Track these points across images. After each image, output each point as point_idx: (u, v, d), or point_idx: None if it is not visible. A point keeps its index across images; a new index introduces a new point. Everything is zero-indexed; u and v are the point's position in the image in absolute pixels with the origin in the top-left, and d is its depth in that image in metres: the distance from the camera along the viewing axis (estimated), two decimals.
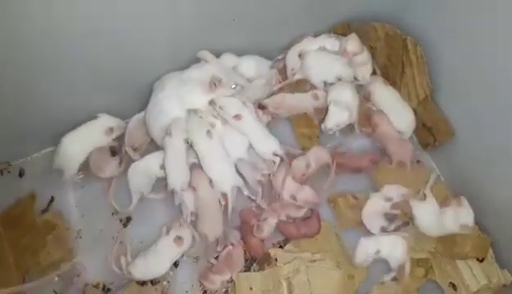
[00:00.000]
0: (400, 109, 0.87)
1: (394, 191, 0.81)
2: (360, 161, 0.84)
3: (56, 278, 0.76)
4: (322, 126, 0.85)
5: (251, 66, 0.87)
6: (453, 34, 0.78)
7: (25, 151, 0.85)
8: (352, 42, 0.87)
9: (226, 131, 0.81)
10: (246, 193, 0.80)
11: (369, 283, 0.77)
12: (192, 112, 0.81)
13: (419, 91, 0.84)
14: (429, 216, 0.78)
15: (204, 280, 0.76)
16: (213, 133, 0.80)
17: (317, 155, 0.83)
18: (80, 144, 0.81)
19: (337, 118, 0.85)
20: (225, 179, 0.78)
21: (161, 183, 0.80)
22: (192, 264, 0.78)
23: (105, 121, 0.83)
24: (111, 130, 0.83)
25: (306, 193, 0.80)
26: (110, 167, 0.83)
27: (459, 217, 0.76)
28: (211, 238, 0.76)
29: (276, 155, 0.80)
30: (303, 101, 0.88)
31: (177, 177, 0.77)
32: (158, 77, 0.83)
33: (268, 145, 0.80)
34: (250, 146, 0.81)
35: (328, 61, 0.87)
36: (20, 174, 0.84)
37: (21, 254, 0.75)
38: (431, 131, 0.85)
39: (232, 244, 0.77)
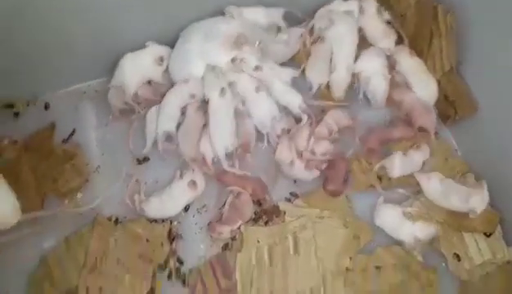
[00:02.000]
0: (424, 80, 0.86)
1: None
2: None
3: (72, 208, 0.80)
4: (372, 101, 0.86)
5: (262, 16, 0.87)
6: (489, 4, 0.76)
7: (52, 86, 0.87)
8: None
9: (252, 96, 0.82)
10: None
11: (373, 245, 0.78)
12: (210, 67, 0.82)
13: (445, 63, 0.84)
14: (435, 190, 0.78)
15: (212, 232, 0.78)
16: (228, 92, 0.80)
17: (336, 118, 0.84)
18: (136, 69, 0.82)
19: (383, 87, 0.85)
20: (221, 142, 0.79)
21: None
22: (202, 209, 0.80)
23: (156, 49, 0.83)
24: (161, 59, 0.83)
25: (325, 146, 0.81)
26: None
27: (470, 200, 0.76)
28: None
29: (302, 110, 0.81)
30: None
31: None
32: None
33: (293, 98, 0.82)
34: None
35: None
36: (46, 107, 0.87)
37: (41, 179, 0.78)
38: (453, 105, 0.84)
39: (239, 192, 0.79)
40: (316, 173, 0.81)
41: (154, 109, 0.83)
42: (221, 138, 0.78)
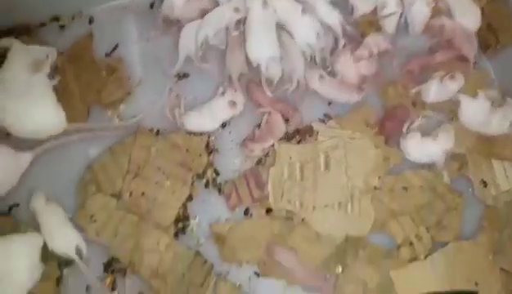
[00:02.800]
0: (467, 7, 0.85)
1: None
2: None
3: (117, 120, 0.85)
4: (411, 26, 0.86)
5: None
6: None
7: (96, 1, 0.89)
8: None
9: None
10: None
11: (402, 167, 0.81)
12: None
13: None
14: (477, 111, 0.79)
15: (244, 148, 0.82)
16: (270, 6, 0.81)
17: (376, 41, 0.84)
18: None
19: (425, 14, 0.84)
20: (262, 52, 0.80)
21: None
22: (238, 126, 0.84)
23: None
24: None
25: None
26: None
27: (508, 117, 0.77)
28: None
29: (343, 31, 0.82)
30: None
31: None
32: None
33: (335, 18, 0.83)
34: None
35: None
36: (90, 21, 0.89)
37: (85, 90, 0.83)
38: (495, 33, 0.83)
39: (271, 112, 0.81)
40: (355, 98, 0.83)
41: (192, 24, 0.84)
42: (262, 48, 0.80)
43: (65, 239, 0.76)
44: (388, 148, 0.81)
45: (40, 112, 0.77)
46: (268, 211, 0.79)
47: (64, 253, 0.76)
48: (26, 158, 0.78)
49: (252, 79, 0.84)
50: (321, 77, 0.82)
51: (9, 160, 0.77)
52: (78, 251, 0.76)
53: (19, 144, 0.78)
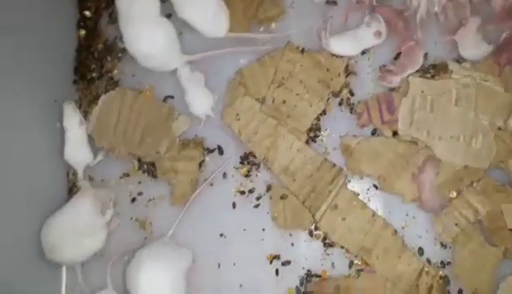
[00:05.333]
0: None
1: None
2: None
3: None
4: None
5: None
6: None
7: None
8: None
9: None
10: None
11: None
12: None
13: None
14: None
15: (382, 79, 0.89)
16: None
17: None
18: None
19: None
20: None
21: None
22: (377, 54, 0.91)
23: None
24: None
25: None
26: None
27: None
28: None
29: None
30: None
31: None
32: None
33: None
34: None
35: None
36: None
37: (247, 4, 0.93)
38: None
39: (412, 43, 0.87)
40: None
41: None
42: None
43: (204, 100, 0.91)
44: None
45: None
46: (395, 134, 0.87)
47: (201, 114, 0.91)
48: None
49: (395, 10, 0.90)
50: None
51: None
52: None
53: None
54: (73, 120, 0.93)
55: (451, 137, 0.84)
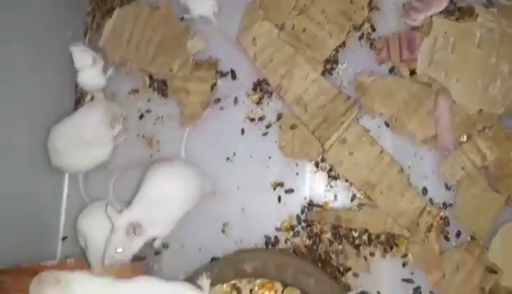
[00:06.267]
0: None
1: None
2: None
3: None
4: None
5: None
6: None
7: None
8: None
9: None
10: None
11: None
12: None
13: None
14: None
15: (406, 17, 0.87)
16: None
17: None
18: None
19: None
20: None
21: None
22: None
23: None
24: None
25: None
26: None
27: None
28: None
29: None
30: None
31: None
32: None
33: None
34: None
35: None
36: None
37: None
38: None
39: None
40: None
41: None
42: None
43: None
44: None
45: None
46: (412, 73, 0.86)
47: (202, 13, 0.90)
48: None
49: None
50: None
51: None
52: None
53: None
54: (84, 61, 0.90)
55: (469, 80, 0.83)
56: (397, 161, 0.85)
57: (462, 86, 0.83)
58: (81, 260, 0.85)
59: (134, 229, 0.76)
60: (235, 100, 0.91)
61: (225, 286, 0.82)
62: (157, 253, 0.88)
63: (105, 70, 0.93)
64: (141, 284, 0.69)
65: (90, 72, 0.91)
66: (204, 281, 0.72)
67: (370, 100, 0.86)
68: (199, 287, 0.71)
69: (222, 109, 0.91)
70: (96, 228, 0.80)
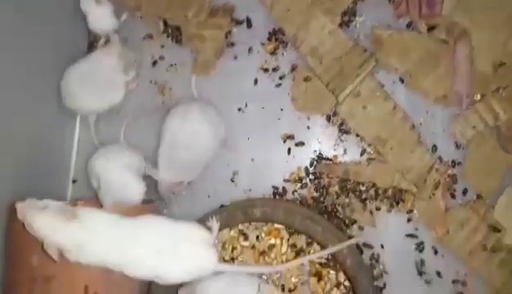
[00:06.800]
0: None
1: None
2: None
3: None
4: None
5: None
6: None
7: None
8: None
9: None
10: None
11: None
12: None
13: None
14: None
15: None
16: None
17: None
18: None
19: None
20: None
21: None
22: None
23: None
24: None
25: None
26: None
27: None
28: None
29: None
30: None
31: None
32: None
33: None
34: None
35: None
36: None
37: None
38: None
39: None
40: None
41: None
42: None
43: None
44: None
45: None
46: (430, 30, 0.85)
47: None
48: None
49: None
50: None
51: None
52: None
53: None
54: (88, 2, 0.89)
55: (493, 28, 0.82)
56: (409, 117, 0.85)
57: (485, 33, 0.82)
58: (90, 203, 0.87)
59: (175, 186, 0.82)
60: (250, 50, 0.90)
61: (232, 231, 0.85)
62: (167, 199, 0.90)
63: (118, 14, 0.92)
64: (151, 222, 0.71)
65: (97, 14, 0.89)
66: (214, 223, 0.74)
67: (386, 54, 0.85)
68: (209, 229, 0.73)
69: (235, 58, 0.91)
70: (109, 169, 0.81)
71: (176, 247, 0.69)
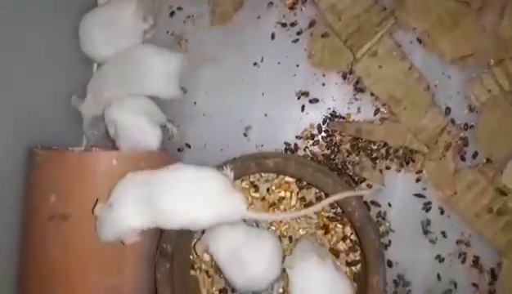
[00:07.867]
0: None
1: None
2: None
3: None
4: None
5: None
6: None
7: None
8: None
9: None
10: None
11: None
12: None
13: None
14: None
15: None
16: None
17: None
18: None
19: None
20: None
21: None
22: None
23: None
24: None
25: None
26: None
27: None
28: None
29: None
30: None
31: None
32: None
33: None
34: None
35: None
36: None
37: None
38: None
39: None
40: None
41: None
42: None
43: None
44: None
45: None
46: None
47: None
48: None
49: None
50: None
51: None
52: None
53: None
54: None
55: None
56: (425, 78, 0.85)
57: None
58: (105, 149, 0.89)
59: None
60: (270, 4, 0.90)
61: (244, 183, 0.86)
62: (180, 150, 0.92)
63: None
64: (181, 170, 0.72)
65: None
66: (228, 172, 0.75)
67: (405, 12, 0.85)
68: None
69: (254, 11, 0.90)
70: (125, 115, 0.82)
71: (206, 192, 0.71)
